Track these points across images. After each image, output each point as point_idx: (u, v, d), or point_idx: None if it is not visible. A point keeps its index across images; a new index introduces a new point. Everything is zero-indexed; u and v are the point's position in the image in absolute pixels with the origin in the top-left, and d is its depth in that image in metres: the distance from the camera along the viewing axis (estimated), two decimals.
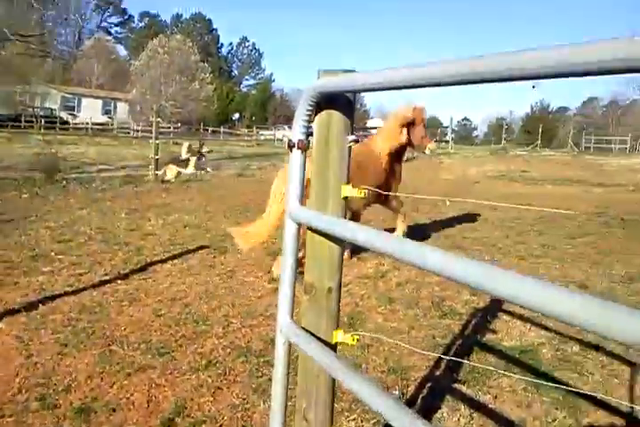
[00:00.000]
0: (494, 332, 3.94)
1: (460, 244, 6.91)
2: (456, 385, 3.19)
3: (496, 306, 4.42)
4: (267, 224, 5.18)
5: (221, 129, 48.49)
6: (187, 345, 3.69)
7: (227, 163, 20.60)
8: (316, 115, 1.58)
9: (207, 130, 49.60)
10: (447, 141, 39.38)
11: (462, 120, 78.92)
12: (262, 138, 47.18)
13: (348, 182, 1.61)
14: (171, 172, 14.46)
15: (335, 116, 1.56)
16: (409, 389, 3.17)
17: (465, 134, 74.55)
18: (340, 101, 1.55)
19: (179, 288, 4.87)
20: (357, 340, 1.65)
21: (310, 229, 1.62)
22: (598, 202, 11.45)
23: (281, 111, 69.13)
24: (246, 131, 49.90)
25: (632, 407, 2.96)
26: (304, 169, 1.62)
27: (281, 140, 46.75)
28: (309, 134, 1.58)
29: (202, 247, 6.31)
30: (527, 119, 66.97)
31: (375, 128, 24.60)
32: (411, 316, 4.33)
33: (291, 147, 1.58)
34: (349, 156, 1.61)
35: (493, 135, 59.74)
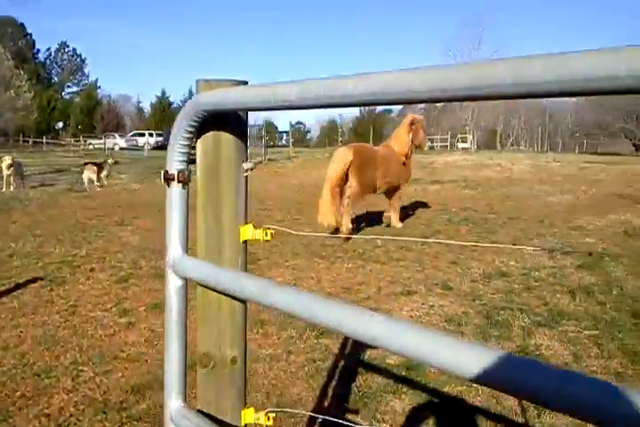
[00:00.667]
0: (375, 348, 3.76)
1: (319, 252, 6.76)
2: (348, 415, 2.95)
3: None
4: (324, 202, 7.26)
5: (44, 139, 44.66)
6: (28, 406, 3.08)
7: (54, 177, 18.75)
8: (198, 137, 1.21)
9: (27, 141, 45.53)
10: (286, 146, 40.17)
11: (296, 124, 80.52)
12: (91, 147, 44.03)
13: (246, 222, 1.25)
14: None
15: (225, 138, 1.19)
16: None
17: (300, 137, 76.13)
18: (231, 119, 1.19)
19: (11, 334, 4.13)
20: (274, 419, 1.30)
21: (201, 284, 1.24)
22: (438, 199, 12.04)
23: (109, 118, 65.62)
24: (72, 140, 46.16)
25: (524, 414, 2.93)
26: (186, 207, 1.24)
27: (112, 149, 44.10)
28: (191, 162, 1.20)
29: (35, 280, 5.47)
30: (357, 122, 70.32)
31: None
32: (286, 338, 4.03)
33: (168, 180, 1.19)
34: (246, 185, 1.26)
35: (326, 137, 61.79)
